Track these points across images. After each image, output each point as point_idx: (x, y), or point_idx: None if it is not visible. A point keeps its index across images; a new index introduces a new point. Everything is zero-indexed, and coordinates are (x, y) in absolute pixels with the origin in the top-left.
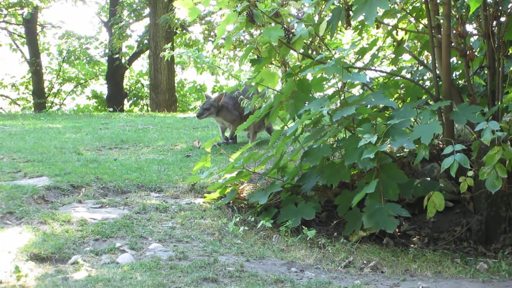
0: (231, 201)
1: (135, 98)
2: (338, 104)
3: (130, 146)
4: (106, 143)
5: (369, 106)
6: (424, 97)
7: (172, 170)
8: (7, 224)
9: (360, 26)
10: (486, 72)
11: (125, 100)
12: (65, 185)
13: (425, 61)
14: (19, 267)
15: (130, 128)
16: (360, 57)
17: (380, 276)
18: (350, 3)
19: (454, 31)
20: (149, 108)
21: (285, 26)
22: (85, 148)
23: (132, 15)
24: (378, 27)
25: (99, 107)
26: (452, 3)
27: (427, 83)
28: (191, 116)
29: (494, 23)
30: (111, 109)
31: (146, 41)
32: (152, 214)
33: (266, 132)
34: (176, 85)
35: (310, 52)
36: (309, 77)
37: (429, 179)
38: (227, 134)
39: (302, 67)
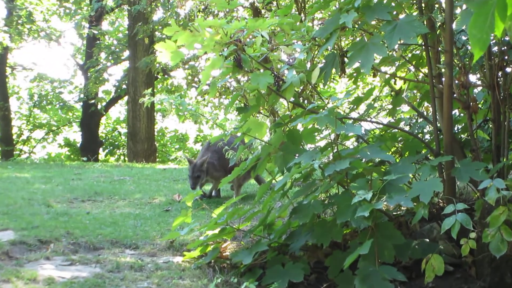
0: (212, 260)
1: (111, 147)
2: (331, 158)
3: (105, 198)
4: (78, 195)
5: (364, 160)
6: (423, 152)
7: (150, 225)
8: None
9: (355, 74)
10: (490, 126)
11: (100, 149)
12: (32, 240)
13: (425, 113)
14: None
15: (105, 179)
16: (355, 107)
17: None
18: (345, 49)
19: (457, 81)
20: (126, 158)
21: (275, 72)
22: (55, 200)
23: (110, 57)
24: (374, 75)
25: (72, 156)
26: (455, 51)
27: (427, 136)
28: (172, 167)
29: (500, 73)
30: (85, 159)
31: (124, 86)
32: (126, 273)
33: (255, 181)
34: (156, 133)
35: (301, 100)
36: (300, 127)
37: (428, 240)
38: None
39: (292, 117)
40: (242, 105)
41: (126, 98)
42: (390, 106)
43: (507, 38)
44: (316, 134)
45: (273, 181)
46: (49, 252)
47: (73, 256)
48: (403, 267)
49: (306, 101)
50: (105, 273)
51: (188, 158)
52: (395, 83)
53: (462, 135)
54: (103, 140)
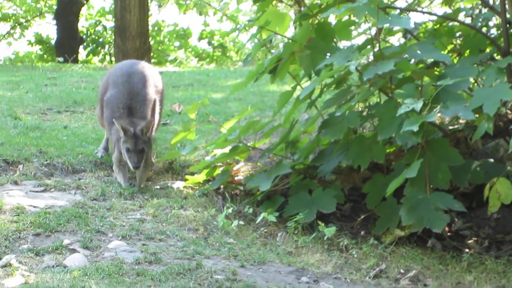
0: (221, 186)
1: (94, 45)
2: (371, 58)
3: (86, 109)
4: (53, 105)
5: (413, 60)
6: (488, 50)
7: None
8: None
9: None
10: None
11: (81, 47)
12: None
13: (491, 1)
14: None
15: (86, 85)
16: None
17: None
18: None
19: None
20: (113, 59)
21: None
22: (24, 111)
23: None
24: None
25: (45, 55)
26: None
27: (493, 31)
28: (170, 70)
29: None
30: (61, 59)
31: None
32: (114, 202)
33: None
34: (150, 28)
35: None
36: (332, 20)
37: (492, 160)
38: None
39: (322, 7)
40: None
41: None
42: None
43: None
44: (352, 28)
45: (298, 87)
46: (17, 176)
47: (48, 181)
48: (461, 194)
49: None
50: (88, 202)
51: (122, 126)
52: None
53: None
54: (84, 36)
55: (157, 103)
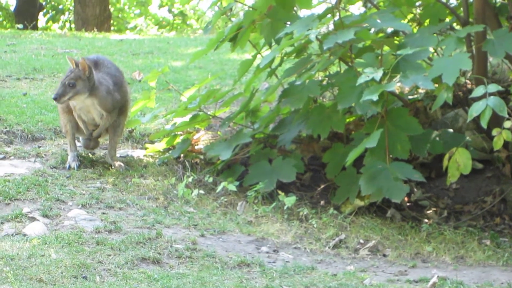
0: (182, 155)
1: (53, 12)
2: (331, 27)
3: (46, 76)
4: (12, 72)
5: (373, 29)
6: (448, 20)
7: None
8: None
9: None
10: None
11: (41, 14)
12: None
13: None
14: None
15: (46, 52)
16: None
17: (382, 260)
18: None
19: None
20: (73, 26)
21: None
22: None
23: None
24: None
25: (4, 22)
26: None
27: (453, 0)
28: (130, 38)
29: None
30: (20, 26)
31: None
32: (74, 170)
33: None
34: None
35: None
36: None
37: (451, 130)
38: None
39: None
40: None
41: None
42: None
43: None
44: None
45: (259, 56)
46: None
47: (7, 148)
48: (420, 164)
49: None
50: (48, 170)
51: (75, 60)
52: None
53: None
54: (44, 3)
55: (124, 87)
